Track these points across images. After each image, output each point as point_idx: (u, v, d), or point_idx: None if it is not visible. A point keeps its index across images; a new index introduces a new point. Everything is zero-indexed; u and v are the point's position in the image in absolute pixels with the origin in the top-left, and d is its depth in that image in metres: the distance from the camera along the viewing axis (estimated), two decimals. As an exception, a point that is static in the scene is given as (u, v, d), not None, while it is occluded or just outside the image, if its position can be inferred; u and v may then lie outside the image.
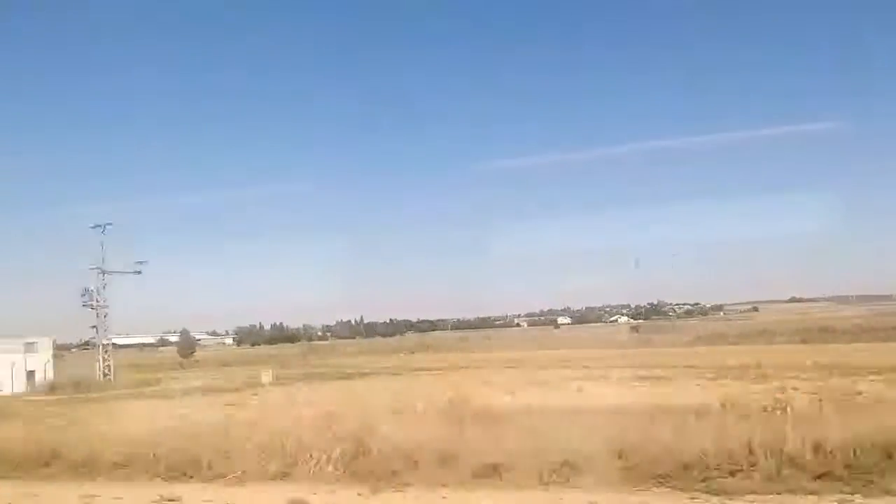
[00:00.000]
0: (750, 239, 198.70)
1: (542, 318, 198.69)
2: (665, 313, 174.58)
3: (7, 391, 52.77)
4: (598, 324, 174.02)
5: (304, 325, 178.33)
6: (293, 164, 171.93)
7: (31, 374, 56.68)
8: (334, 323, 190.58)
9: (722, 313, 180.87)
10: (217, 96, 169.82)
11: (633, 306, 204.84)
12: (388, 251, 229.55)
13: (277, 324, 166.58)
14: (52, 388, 52.51)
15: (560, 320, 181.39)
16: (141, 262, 58.14)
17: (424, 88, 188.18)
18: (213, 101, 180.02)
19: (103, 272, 56.89)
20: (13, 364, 54.78)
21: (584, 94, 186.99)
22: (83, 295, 57.00)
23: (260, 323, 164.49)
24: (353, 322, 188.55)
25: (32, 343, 57.55)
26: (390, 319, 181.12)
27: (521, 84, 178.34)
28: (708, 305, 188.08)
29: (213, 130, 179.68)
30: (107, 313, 57.81)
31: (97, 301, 57.15)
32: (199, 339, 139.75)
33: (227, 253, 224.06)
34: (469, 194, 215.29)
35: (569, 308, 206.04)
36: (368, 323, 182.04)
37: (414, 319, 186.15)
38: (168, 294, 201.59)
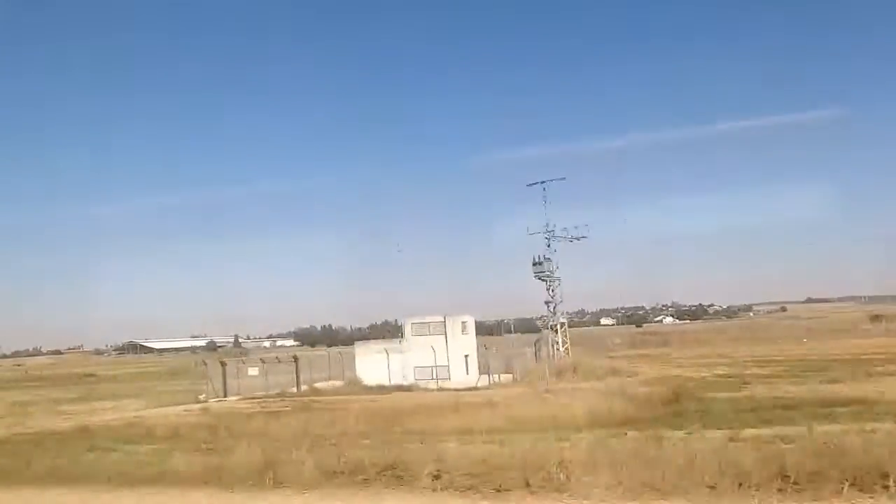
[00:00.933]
0: (769, 238, 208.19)
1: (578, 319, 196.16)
2: (709, 314, 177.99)
3: (456, 382, 40.57)
4: (647, 324, 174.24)
5: (339, 328, 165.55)
6: (289, 163, 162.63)
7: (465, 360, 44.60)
8: (367, 326, 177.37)
9: (751, 314, 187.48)
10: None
11: (648, 307, 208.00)
12: (393, 251, 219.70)
13: (327, 325, 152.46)
14: (562, 373, 41.20)
15: (603, 321, 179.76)
16: (581, 227, 47.15)
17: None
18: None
19: (552, 236, 45.85)
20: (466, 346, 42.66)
21: (586, 90, 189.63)
22: (536, 264, 45.57)
23: (311, 325, 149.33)
24: (392, 323, 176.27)
25: (465, 322, 45.36)
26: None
27: (528, 81, 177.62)
28: (727, 306, 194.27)
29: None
30: (559, 283, 46.70)
31: (550, 272, 45.93)
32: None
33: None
34: (471, 195, 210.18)
35: (583, 310, 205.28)
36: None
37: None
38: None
